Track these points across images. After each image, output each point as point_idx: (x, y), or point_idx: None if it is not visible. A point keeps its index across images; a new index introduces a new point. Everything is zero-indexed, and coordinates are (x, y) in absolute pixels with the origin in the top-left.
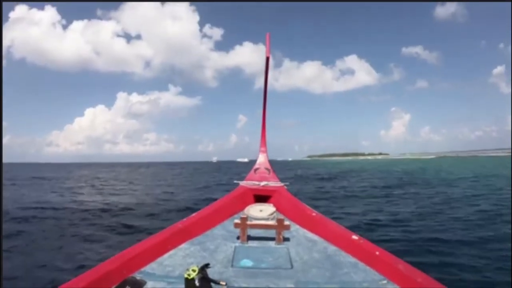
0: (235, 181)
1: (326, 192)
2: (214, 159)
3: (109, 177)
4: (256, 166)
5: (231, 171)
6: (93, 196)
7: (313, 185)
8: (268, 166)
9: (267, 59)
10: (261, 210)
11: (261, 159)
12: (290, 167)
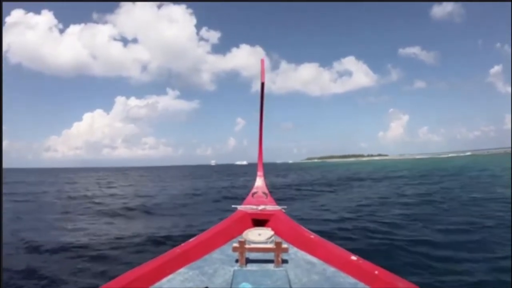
0: (233, 206)
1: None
2: (213, 162)
3: (85, 181)
4: (254, 190)
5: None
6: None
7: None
8: (266, 190)
9: (262, 84)
10: (259, 234)
11: (259, 183)
12: (300, 170)
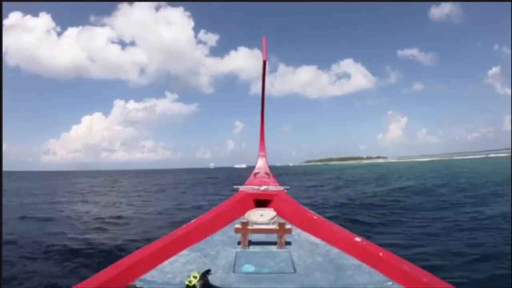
0: (235, 186)
1: None
2: (212, 165)
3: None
4: (256, 170)
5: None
6: None
7: None
8: (268, 170)
9: (264, 62)
10: (261, 215)
11: (261, 164)
12: (313, 174)
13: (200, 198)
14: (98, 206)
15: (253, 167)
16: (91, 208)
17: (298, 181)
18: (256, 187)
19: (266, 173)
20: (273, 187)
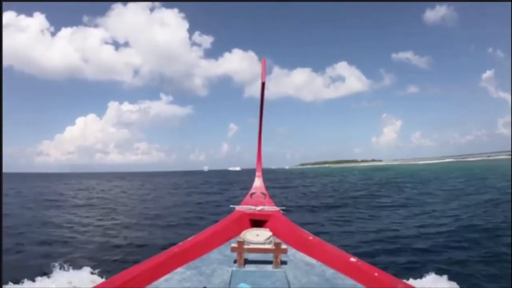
0: (231, 206)
1: None
2: (206, 168)
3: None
4: (252, 190)
5: None
6: None
7: None
8: (264, 190)
9: (263, 84)
10: (257, 235)
11: (257, 184)
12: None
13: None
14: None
15: (247, 170)
16: None
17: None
18: (253, 207)
19: (263, 193)
20: (269, 208)
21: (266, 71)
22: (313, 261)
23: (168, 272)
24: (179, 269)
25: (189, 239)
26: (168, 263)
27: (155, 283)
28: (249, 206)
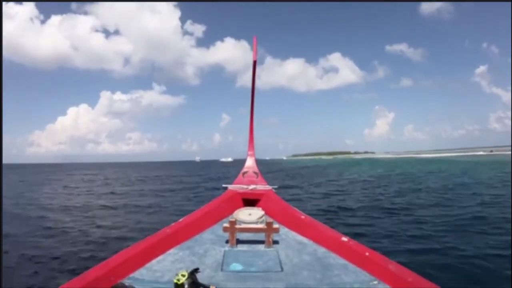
0: (223, 185)
1: None
2: (198, 158)
3: None
4: (244, 169)
5: None
6: None
7: None
8: (256, 169)
9: (254, 62)
10: (250, 214)
11: (249, 163)
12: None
13: None
14: None
15: (240, 161)
16: None
17: None
18: (245, 186)
19: (255, 172)
20: (262, 187)
21: (257, 50)
22: (305, 240)
23: (161, 253)
24: (172, 250)
25: (181, 219)
26: (161, 244)
27: (148, 265)
28: (242, 185)
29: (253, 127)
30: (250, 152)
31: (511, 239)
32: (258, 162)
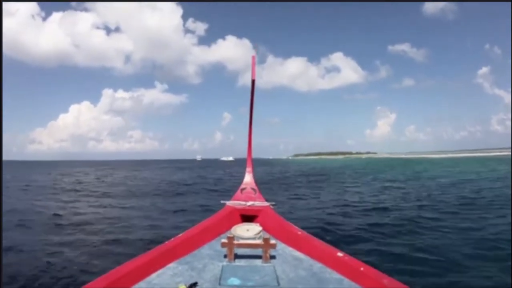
0: (222, 201)
1: None
2: (199, 157)
3: None
4: (243, 186)
5: None
6: None
7: None
8: (254, 186)
9: (253, 82)
10: (247, 230)
11: (247, 179)
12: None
13: None
14: None
15: (241, 160)
16: None
17: None
18: (243, 203)
19: (253, 189)
20: (259, 203)
21: (256, 67)
22: (301, 255)
23: (160, 267)
24: (171, 264)
25: (180, 234)
26: (160, 259)
27: (148, 278)
28: (240, 202)
29: (251, 143)
30: (248, 169)
31: (511, 239)
32: (261, 161)
